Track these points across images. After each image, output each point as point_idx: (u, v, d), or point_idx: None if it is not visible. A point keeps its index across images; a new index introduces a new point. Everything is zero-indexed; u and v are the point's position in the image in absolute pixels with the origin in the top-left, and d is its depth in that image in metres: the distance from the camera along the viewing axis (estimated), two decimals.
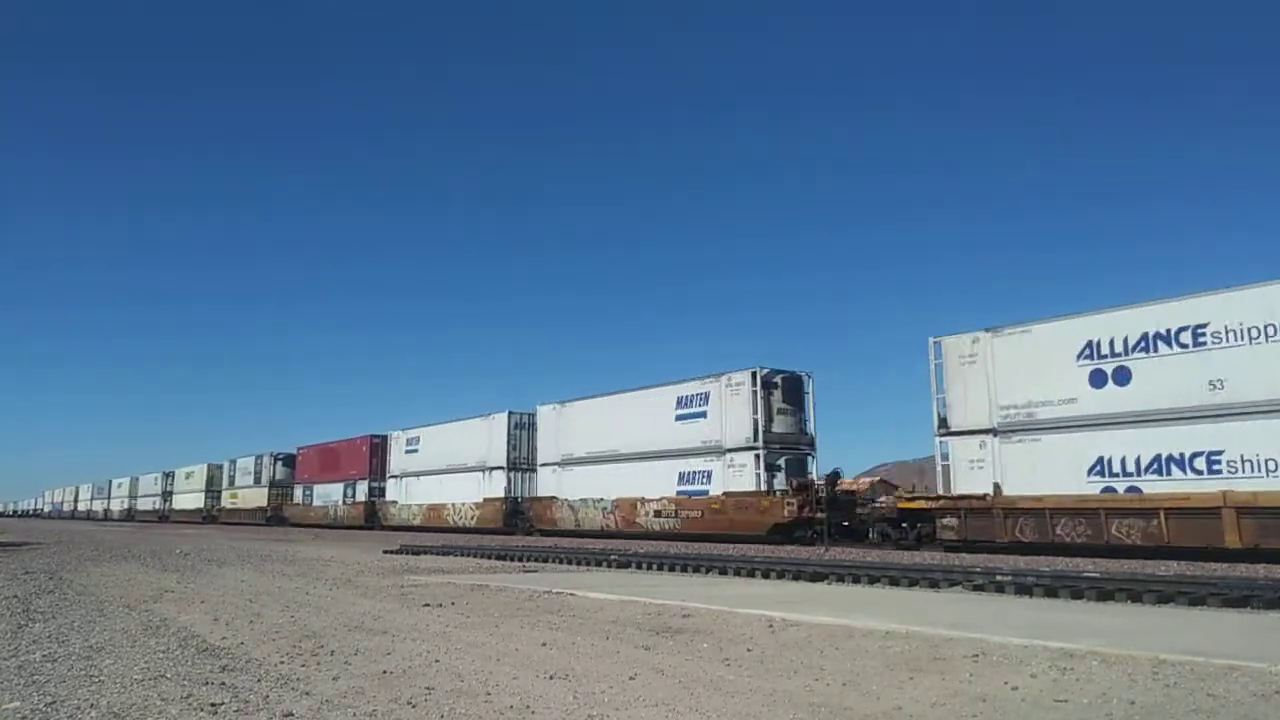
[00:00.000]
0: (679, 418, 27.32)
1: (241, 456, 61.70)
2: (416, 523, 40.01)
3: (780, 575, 13.35)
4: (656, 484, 27.67)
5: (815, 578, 12.88)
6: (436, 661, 6.05)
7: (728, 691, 5.05)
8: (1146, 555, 16.28)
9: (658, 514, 27.37)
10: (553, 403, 33.46)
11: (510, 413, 35.70)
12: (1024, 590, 10.64)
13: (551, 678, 5.46)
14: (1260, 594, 9.29)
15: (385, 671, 5.68)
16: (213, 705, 4.75)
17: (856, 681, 5.30)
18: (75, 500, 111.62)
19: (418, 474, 41.26)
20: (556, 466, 32.41)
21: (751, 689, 5.12)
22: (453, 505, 37.86)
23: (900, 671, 5.58)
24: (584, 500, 30.53)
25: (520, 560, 18.04)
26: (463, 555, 20.06)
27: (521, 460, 35.25)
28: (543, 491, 33.09)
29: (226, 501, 62.23)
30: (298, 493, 53.54)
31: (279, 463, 56.46)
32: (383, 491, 44.25)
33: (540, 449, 33.69)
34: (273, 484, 56.08)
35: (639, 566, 15.83)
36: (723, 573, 14.32)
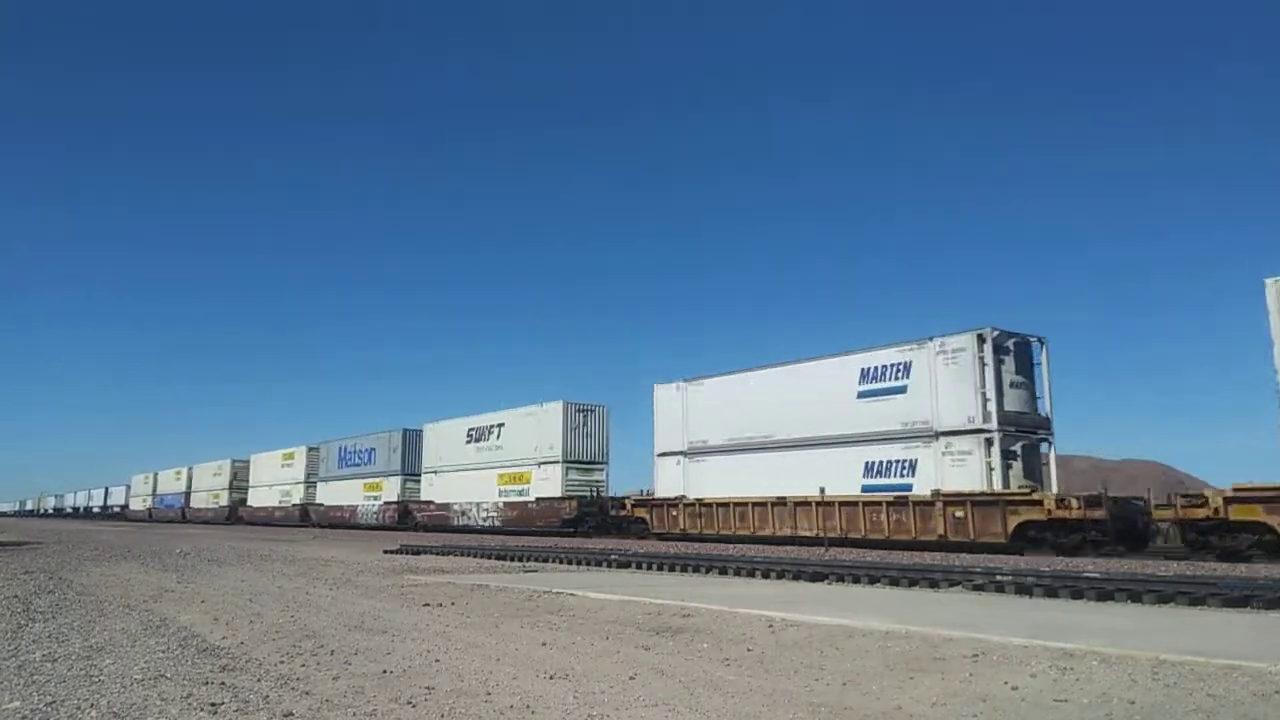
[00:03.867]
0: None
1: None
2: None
3: (780, 575, 13.35)
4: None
5: (815, 578, 12.88)
6: (437, 661, 6.05)
7: (728, 691, 5.06)
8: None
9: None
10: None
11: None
12: (1024, 590, 10.65)
13: (552, 678, 5.46)
14: (1260, 594, 9.29)
15: (385, 671, 5.68)
16: (213, 705, 4.75)
17: (856, 681, 5.30)
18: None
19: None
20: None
21: (751, 689, 5.12)
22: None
23: (900, 671, 5.58)
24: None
25: (520, 560, 18.05)
26: (463, 555, 20.06)
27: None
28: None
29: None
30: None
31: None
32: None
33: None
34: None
35: (639, 566, 15.84)
36: (723, 573, 14.33)
